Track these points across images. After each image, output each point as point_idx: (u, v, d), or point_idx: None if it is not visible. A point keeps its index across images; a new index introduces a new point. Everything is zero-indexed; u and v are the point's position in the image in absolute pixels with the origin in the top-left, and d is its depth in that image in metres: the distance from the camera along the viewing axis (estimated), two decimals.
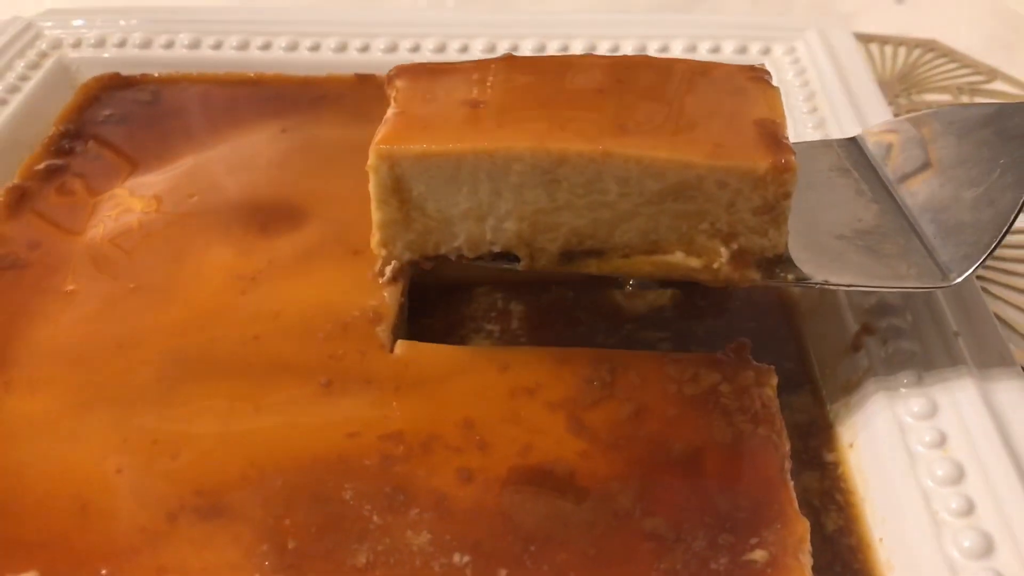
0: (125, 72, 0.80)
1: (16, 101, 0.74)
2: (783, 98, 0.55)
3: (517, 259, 0.53)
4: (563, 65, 0.57)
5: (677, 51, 0.80)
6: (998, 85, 0.92)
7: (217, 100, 0.78)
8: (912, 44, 0.99)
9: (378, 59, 0.80)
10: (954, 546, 0.44)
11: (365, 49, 0.81)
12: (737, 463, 0.48)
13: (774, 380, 0.52)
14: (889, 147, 0.59)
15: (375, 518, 0.45)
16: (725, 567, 0.43)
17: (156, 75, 0.80)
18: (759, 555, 0.44)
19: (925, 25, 1.02)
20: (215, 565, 0.44)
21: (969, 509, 0.45)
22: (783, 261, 0.52)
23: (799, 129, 0.70)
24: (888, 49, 0.98)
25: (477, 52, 0.80)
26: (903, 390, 0.51)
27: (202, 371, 0.53)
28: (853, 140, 0.61)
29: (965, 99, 0.90)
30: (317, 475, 0.47)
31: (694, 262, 0.52)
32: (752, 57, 0.79)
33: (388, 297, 0.56)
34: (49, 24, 0.82)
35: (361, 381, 0.52)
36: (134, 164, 0.70)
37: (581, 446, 0.48)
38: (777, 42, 0.80)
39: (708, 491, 0.46)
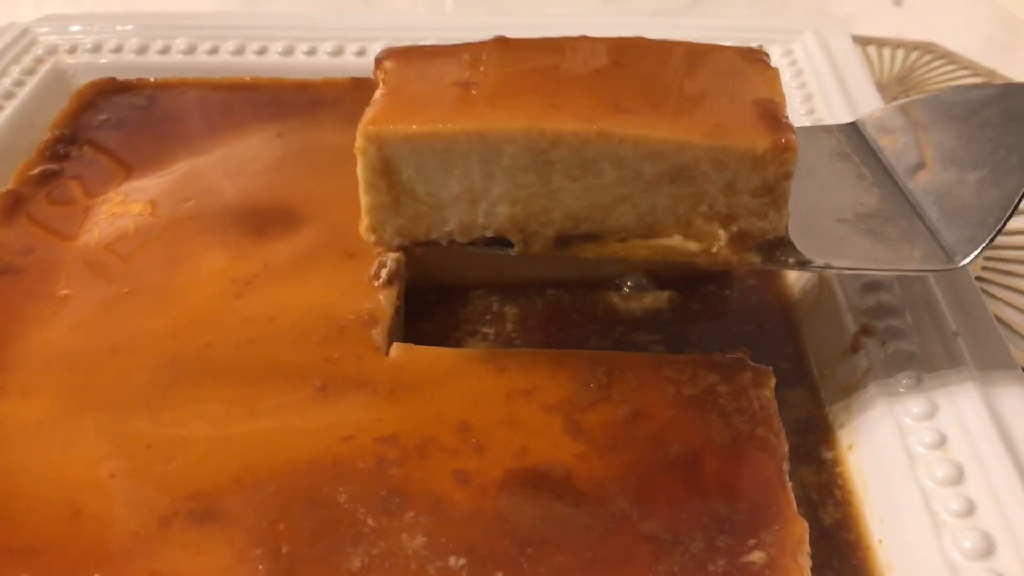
0: (121, 77, 0.80)
1: (12, 106, 0.74)
2: None
3: (511, 244, 0.51)
4: (558, 47, 0.55)
5: None
6: None
7: (213, 105, 0.78)
8: (910, 46, 0.98)
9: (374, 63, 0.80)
10: (954, 547, 0.44)
11: (361, 53, 0.80)
12: (735, 464, 0.47)
13: (772, 381, 0.51)
14: (890, 131, 0.58)
15: (370, 521, 0.45)
16: (723, 569, 0.43)
17: (152, 80, 0.80)
18: (757, 557, 0.43)
19: (923, 27, 1.01)
20: (209, 570, 0.43)
21: (969, 510, 0.45)
22: (783, 244, 0.50)
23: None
24: (886, 51, 0.98)
25: None
26: (902, 391, 0.51)
27: (196, 375, 0.52)
28: (853, 125, 0.60)
29: None
30: (312, 479, 0.47)
31: (692, 245, 0.50)
32: None
33: (383, 300, 0.56)
34: (45, 30, 0.82)
35: (356, 384, 0.52)
36: (129, 169, 0.70)
37: (578, 448, 0.48)
38: (775, 44, 0.80)
39: (706, 493, 0.46)
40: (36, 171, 0.69)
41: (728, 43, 0.79)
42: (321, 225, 0.62)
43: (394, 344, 0.54)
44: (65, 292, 0.58)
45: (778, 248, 0.50)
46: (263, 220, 0.63)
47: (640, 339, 0.59)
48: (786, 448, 0.48)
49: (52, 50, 0.81)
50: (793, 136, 0.47)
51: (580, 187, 0.49)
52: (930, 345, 0.53)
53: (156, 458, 0.48)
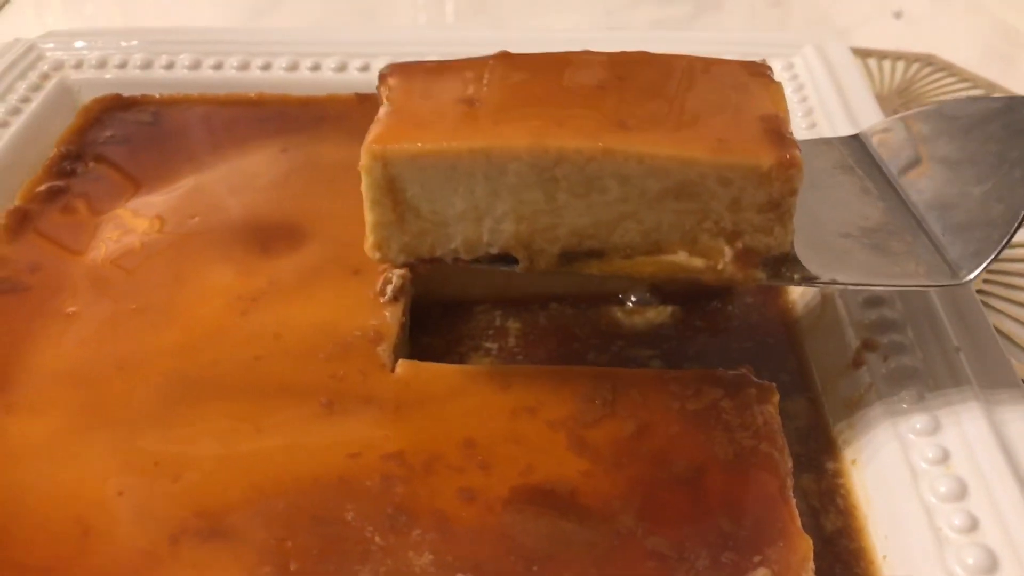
0: (126, 93, 0.80)
1: (18, 123, 0.74)
2: None
3: (516, 261, 0.51)
4: (561, 62, 0.55)
5: None
6: None
7: (218, 120, 0.78)
8: (910, 58, 0.99)
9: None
10: (958, 563, 0.44)
11: (365, 69, 0.81)
12: (739, 481, 0.47)
13: (775, 397, 0.52)
14: (893, 144, 0.58)
15: (377, 539, 0.45)
16: None
17: (157, 96, 0.80)
18: (762, 573, 0.43)
19: (923, 39, 1.02)
20: None
21: (973, 525, 0.45)
22: (789, 260, 0.50)
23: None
24: (886, 63, 0.98)
25: None
26: (905, 407, 0.51)
27: (203, 392, 0.53)
28: (856, 138, 0.60)
29: None
30: (319, 496, 0.47)
31: (698, 262, 0.50)
32: None
33: (389, 317, 0.57)
34: (50, 46, 0.83)
35: (362, 401, 0.52)
36: (135, 185, 0.70)
37: (583, 465, 0.48)
38: (775, 57, 0.80)
39: (711, 509, 0.46)
40: (43, 188, 0.70)
41: (729, 56, 0.80)
42: (326, 241, 0.63)
43: (400, 361, 0.54)
44: (72, 309, 0.59)
45: (783, 264, 0.50)
46: (268, 236, 0.64)
47: (638, 354, 0.59)
48: (790, 464, 0.48)
49: (58, 66, 0.81)
50: (798, 152, 0.47)
51: (585, 204, 0.49)
52: (932, 360, 0.53)
53: (164, 475, 0.48)
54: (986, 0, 1.11)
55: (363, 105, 0.78)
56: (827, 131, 0.71)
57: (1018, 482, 0.46)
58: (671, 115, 0.51)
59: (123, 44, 0.83)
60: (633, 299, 0.63)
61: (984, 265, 0.49)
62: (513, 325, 0.62)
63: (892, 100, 0.92)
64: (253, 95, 0.80)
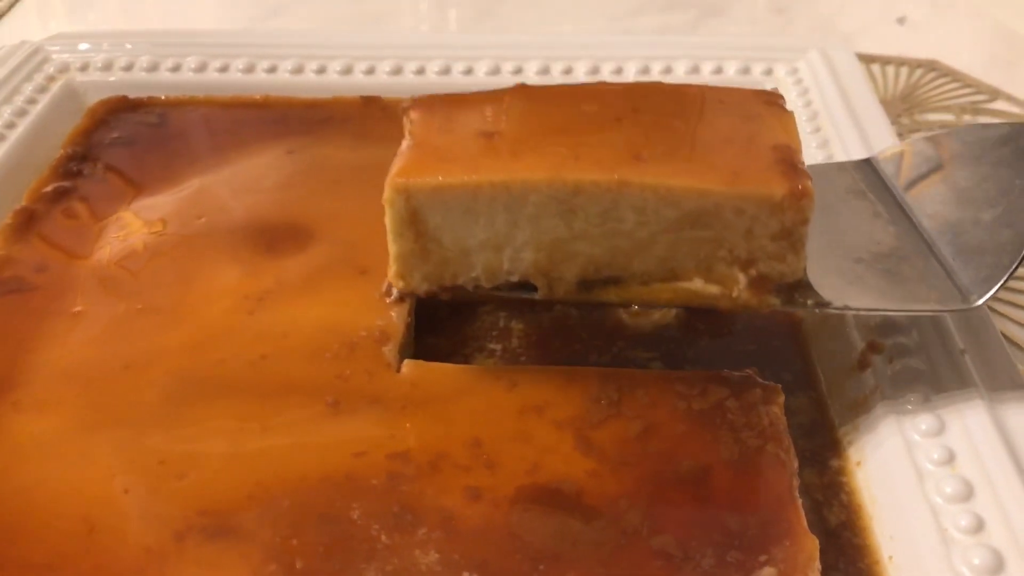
0: (132, 95, 0.81)
1: (24, 124, 0.74)
2: None
3: (535, 288, 0.53)
4: (577, 94, 0.57)
5: (680, 72, 0.81)
6: (1000, 104, 0.93)
7: (223, 122, 0.78)
8: (913, 64, 0.99)
9: (383, 81, 0.81)
10: (964, 563, 0.44)
11: (370, 72, 0.81)
12: (745, 480, 0.48)
13: (781, 398, 0.52)
14: (904, 168, 0.59)
15: (383, 538, 0.45)
16: None
17: (163, 98, 0.81)
18: (768, 573, 0.43)
19: (926, 45, 1.02)
20: None
21: (979, 526, 0.45)
22: (802, 286, 0.51)
23: (803, 149, 0.70)
24: (890, 69, 0.99)
25: (481, 74, 0.81)
26: (910, 408, 0.51)
27: (209, 391, 0.53)
28: (867, 162, 0.61)
29: (968, 119, 0.91)
30: (325, 495, 0.47)
31: (713, 289, 0.51)
32: (755, 77, 0.80)
33: (395, 317, 0.57)
34: (56, 48, 0.83)
35: (368, 401, 0.52)
36: (141, 186, 0.71)
37: (589, 464, 0.48)
38: (779, 63, 0.81)
39: (717, 509, 0.46)
40: (49, 188, 0.70)
41: (733, 61, 0.81)
42: (332, 242, 0.63)
43: (406, 360, 0.54)
44: (79, 309, 0.59)
45: (796, 290, 0.51)
46: (274, 237, 0.64)
47: (639, 355, 0.59)
48: (796, 465, 0.48)
49: (64, 68, 0.81)
50: (810, 183, 0.49)
51: (602, 233, 0.51)
52: (937, 362, 0.53)
53: (170, 474, 0.48)
54: (989, 6, 1.11)
55: (368, 107, 0.79)
56: (832, 136, 0.72)
57: (1023, 482, 0.46)
58: (685, 146, 0.52)
59: (129, 46, 0.83)
60: None
61: (994, 290, 0.50)
62: (517, 326, 0.62)
63: (895, 106, 0.93)
64: (259, 97, 0.80)
